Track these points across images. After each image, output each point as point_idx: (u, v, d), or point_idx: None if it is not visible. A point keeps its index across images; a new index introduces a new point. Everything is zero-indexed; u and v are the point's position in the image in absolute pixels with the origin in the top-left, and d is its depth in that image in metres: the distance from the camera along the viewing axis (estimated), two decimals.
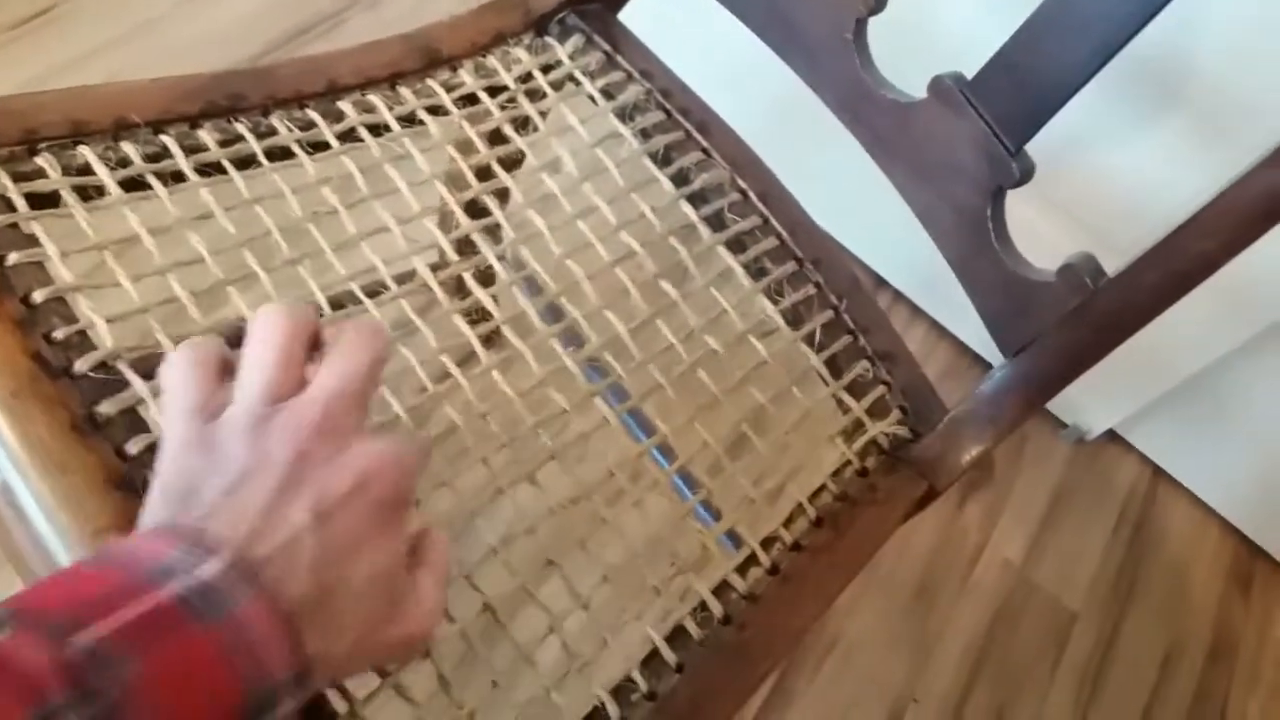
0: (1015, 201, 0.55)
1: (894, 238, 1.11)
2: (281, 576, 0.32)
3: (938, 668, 1.03)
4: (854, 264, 1.20)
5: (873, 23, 0.57)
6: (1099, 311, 0.51)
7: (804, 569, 0.52)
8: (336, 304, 0.50)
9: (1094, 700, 1.07)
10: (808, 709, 0.96)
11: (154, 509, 0.35)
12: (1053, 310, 0.53)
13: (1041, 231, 1.01)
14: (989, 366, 1.24)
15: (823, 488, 0.55)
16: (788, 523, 0.54)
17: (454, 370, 0.50)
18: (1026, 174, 0.53)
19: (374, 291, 0.51)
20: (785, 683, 0.97)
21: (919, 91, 0.56)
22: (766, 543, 0.53)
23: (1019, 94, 0.52)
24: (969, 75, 0.54)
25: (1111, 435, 1.22)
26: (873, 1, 0.56)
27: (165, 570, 0.30)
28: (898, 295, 1.22)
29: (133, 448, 0.42)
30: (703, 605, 0.50)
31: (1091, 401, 1.18)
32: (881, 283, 1.22)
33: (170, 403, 0.38)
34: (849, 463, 0.56)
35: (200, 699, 0.29)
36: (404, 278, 0.52)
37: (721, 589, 0.51)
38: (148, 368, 0.44)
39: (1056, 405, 1.22)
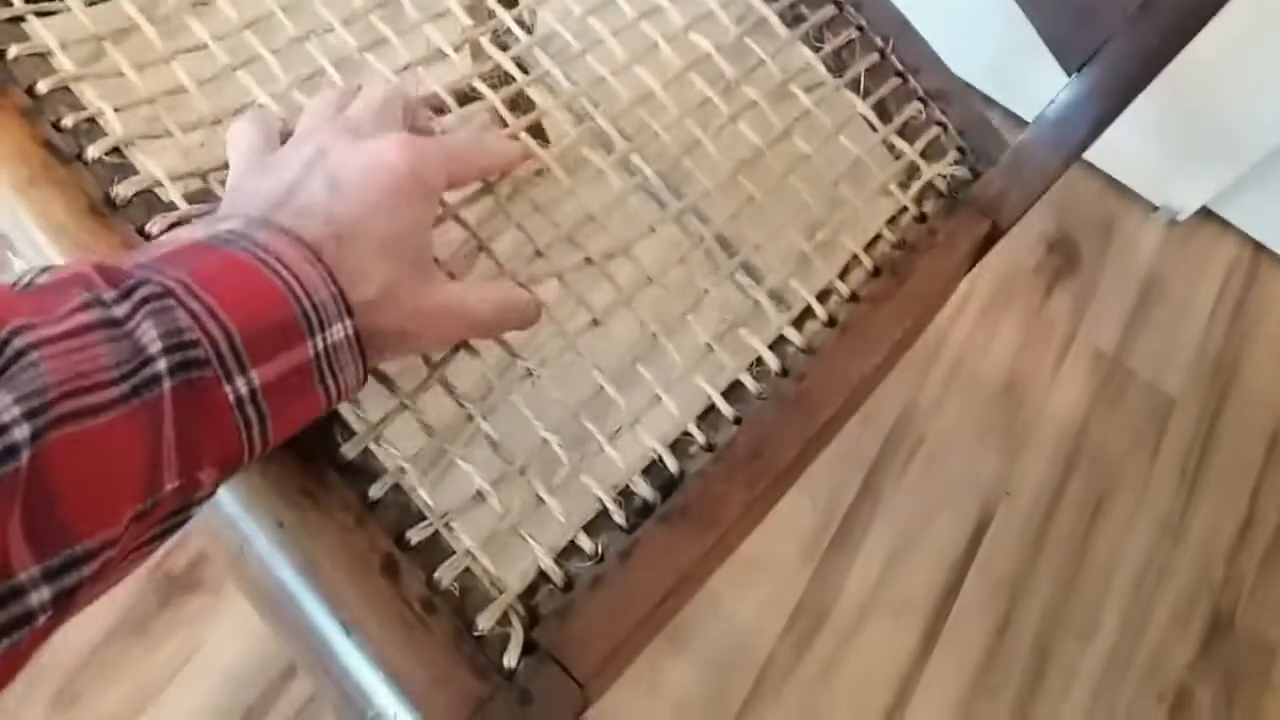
0: None
1: (957, 20, 1.05)
2: (298, 226, 0.34)
3: (1030, 462, 1.00)
4: None
5: None
6: (1165, 4, 0.46)
7: (864, 318, 0.50)
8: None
9: (1196, 487, 1.04)
10: (897, 510, 0.95)
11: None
12: (1116, 14, 0.48)
13: None
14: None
15: (879, 237, 0.52)
16: (843, 274, 0.51)
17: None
18: None
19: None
20: (871, 483, 0.95)
21: None
22: (822, 296, 0.50)
23: None
24: None
25: (1206, 214, 1.15)
26: None
27: (191, 237, 0.33)
28: (966, 87, 1.15)
29: (154, 227, 0.41)
30: (759, 361, 0.48)
31: (1181, 178, 1.11)
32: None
33: (236, 150, 0.41)
34: (905, 209, 0.53)
35: (246, 292, 0.30)
36: (431, 58, 0.49)
37: (778, 344, 0.49)
38: (157, 152, 0.43)
39: (1145, 185, 1.15)
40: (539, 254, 0.46)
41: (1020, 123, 1.16)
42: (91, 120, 0.43)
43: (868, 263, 0.51)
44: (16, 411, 0.24)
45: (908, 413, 0.98)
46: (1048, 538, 0.97)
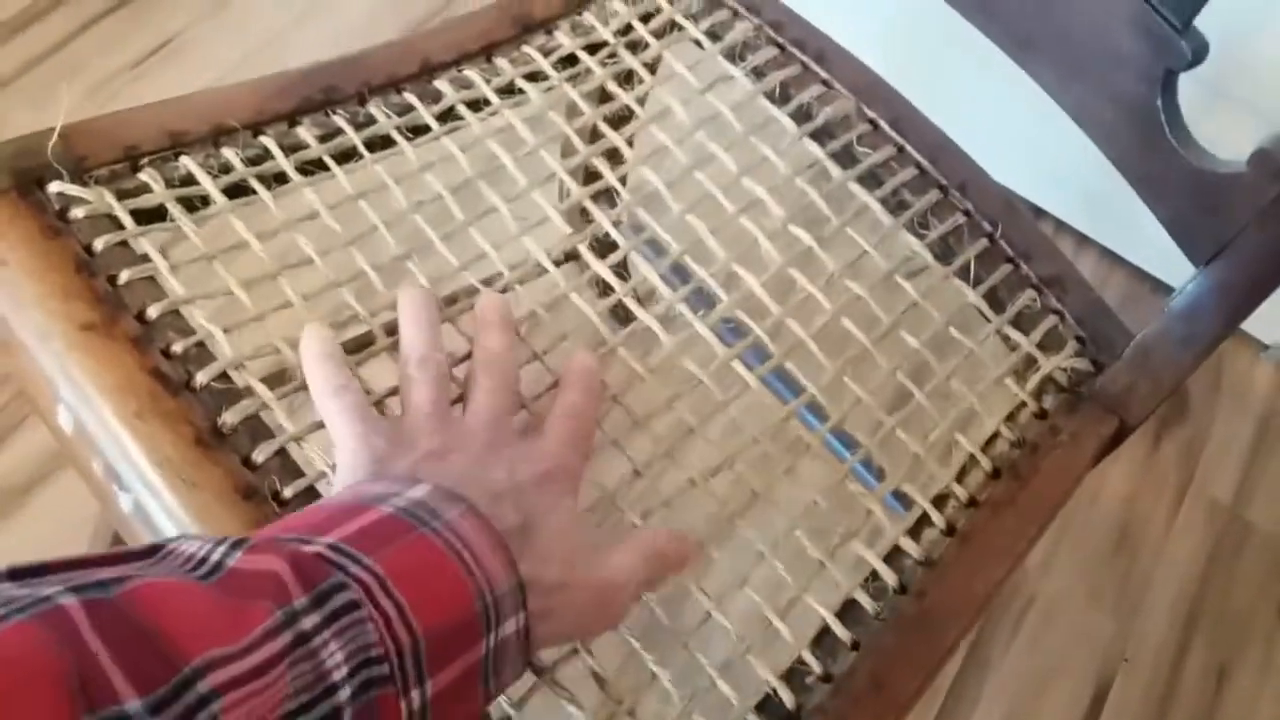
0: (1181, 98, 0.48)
1: (1048, 158, 1.03)
2: (484, 505, 0.34)
3: (1148, 623, 0.94)
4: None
5: None
6: None
7: (985, 526, 0.47)
8: (450, 300, 0.48)
9: None
10: (1007, 677, 0.90)
11: (344, 479, 0.37)
12: (1247, 205, 0.46)
13: (1215, 131, 0.91)
14: (1170, 290, 1.13)
15: (997, 435, 0.50)
16: (961, 477, 0.49)
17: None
18: (1199, 53, 0.46)
19: (488, 281, 0.48)
20: (979, 651, 0.90)
21: None
22: (939, 501, 0.48)
23: None
24: None
25: None
26: None
27: (378, 496, 0.32)
28: (1059, 224, 1.13)
29: (259, 456, 0.41)
30: (874, 575, 0.45)
31: None
32: (1039, 213, 1.13)
33: (325, 396, 0.40)
34: (1024, 405, 0.51)
35: (438, 590, 0.30)
36: (517, 264, 0.49)
37: (894, 556, 0.46)
38: (267, 374, 0.43)
39: (1253, 324, 1.11)
40: (638, 473, 0.45)
41: (1117, 260, 1.12)
42: (200, 344, 0.43)
43: (986, 464, 0.49)
44: None
45: (1015, 572, 0.93)
46: (1172, 706, 0.91)
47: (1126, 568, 0.97)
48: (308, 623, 0.26)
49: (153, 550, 0.27)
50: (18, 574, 0.24)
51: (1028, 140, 1.00)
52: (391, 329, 0.45)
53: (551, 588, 0.35)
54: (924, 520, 0.47)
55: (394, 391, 0.43)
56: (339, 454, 0.38)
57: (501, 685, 0.33)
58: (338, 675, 0.26)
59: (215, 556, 0.27)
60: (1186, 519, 1.00)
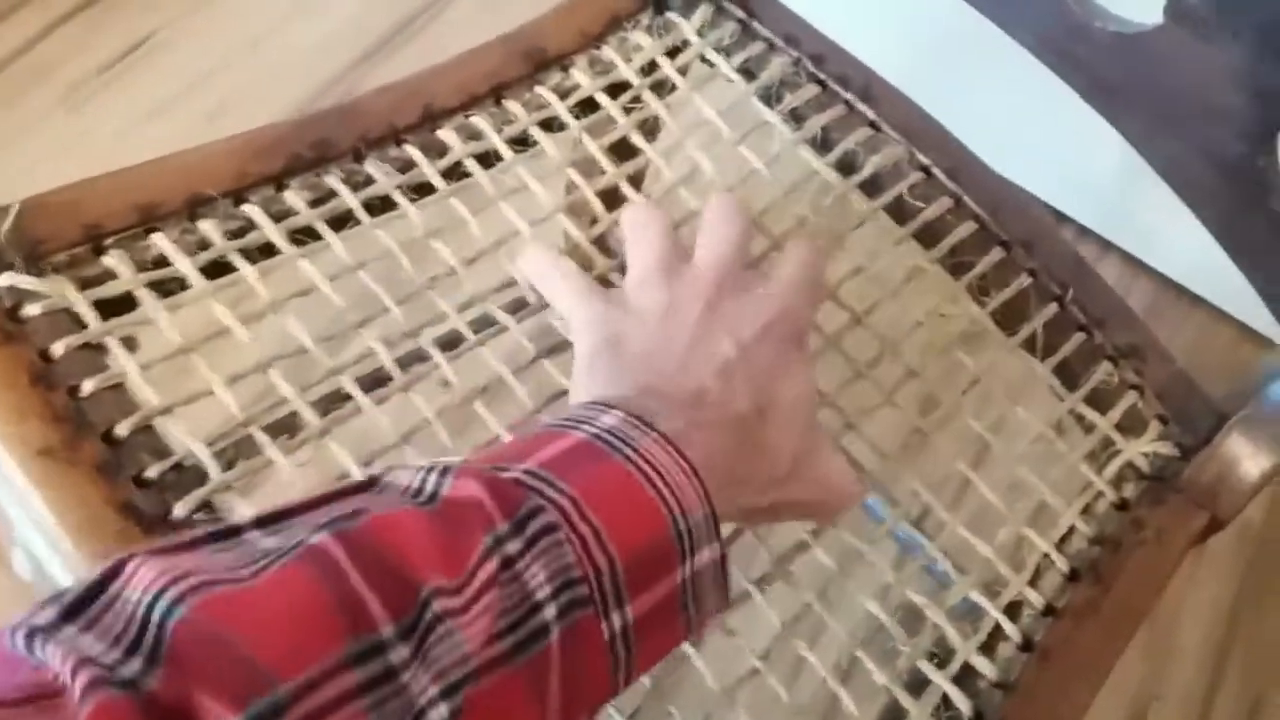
0: None
1: (1069, 161, 0.97)
2: (716, 390, 0.36)
3: (1179, 657, 0.91)
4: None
5: None
6: None
7: (1067, 639, 0.42)
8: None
9: None
10: None
11: (579, 378, 0.38)
12: None
13: None
14: (1197, 299, 1.09)
15: (1073, 531, 0.45)
16: (1034, 580, 0.44)
17: None
18: None
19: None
20: None
21: (1150, 16, 0.44)
22: (1012, 610, 0.43)
23: None
24: None
25: None
26: None
27: (570, 423, 0.32)
28: (1082, 230, 1.08)
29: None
30: (946, 702, 0.40)
31: None
32: (1060, 218, 1.08)
33: (558, 285, 0.41)
34: (1101, 495, 0.46)
35: (632, 515, 0.29)
36: (538, 337, 0.44)
37: (965, 676, 0.41)
38: (254, 489, 0.38)
39: (1275, 331, 1.06)
40: None
41: (1141, 267, 1.07)
42: (179, 466, 0.37)
43: (1062, 564, 0.44)
44: (434, 691, 0.24)
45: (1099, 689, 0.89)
46: None
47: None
48: (512, 548, 0.27)
49: (371, 483, 0.29)
50: (264, 522, 0.27)
51: (1048, 143, 0.95)
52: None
53: (783, 480, 0.36)
54: (997, 633, 0.42)
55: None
56: (574, 327, 0.40)
57: (704, 615, 0.32)
58: (541, 595, 0.27)
59: (429, 487, 0.28)
60: (1216, 543, 0.96)
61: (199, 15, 1.05)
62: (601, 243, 0.46)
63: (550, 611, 0.27)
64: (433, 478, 0.28)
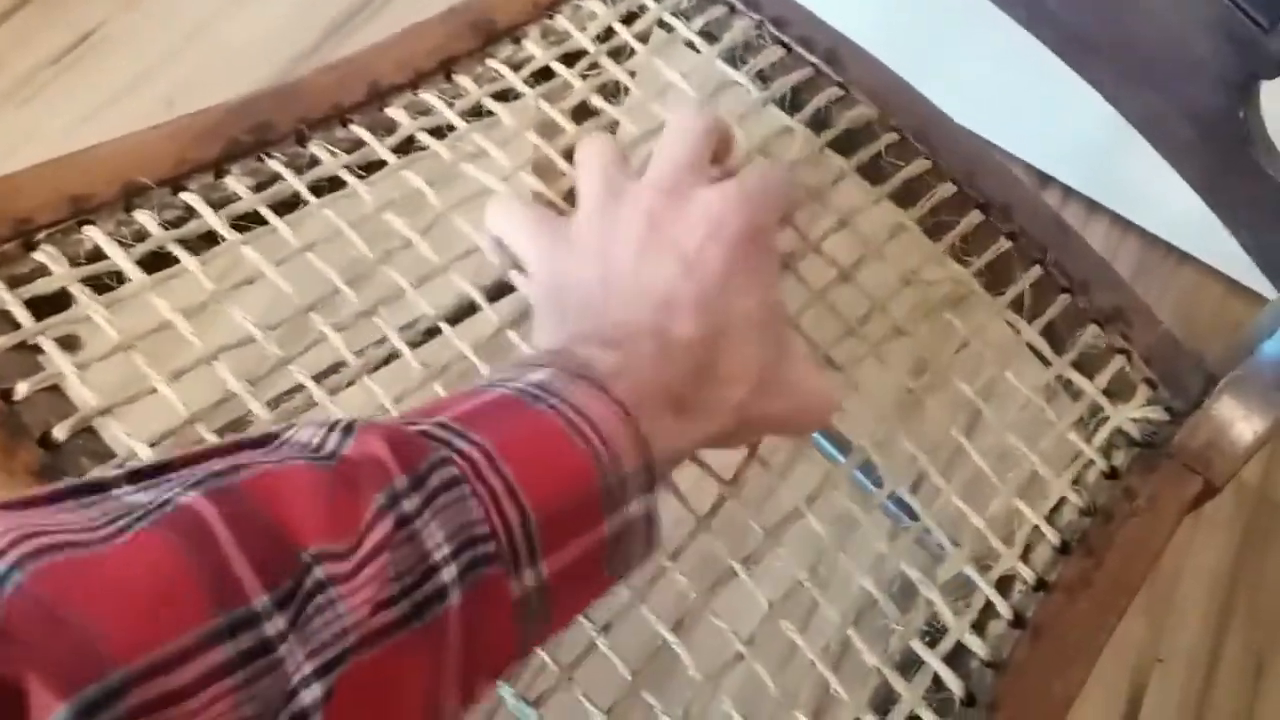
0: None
1: (1053, 121, 0.95)
2: (657, 316, 0.34)
3: (1180, 619, 0.89)
4: (1010, 167, 1.04)
5: None
6: None
7: (1060, 616, 0.40)
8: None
9: None
10: None
11: (534, 333, 0.38)
12: None
13: None
14: (1185, 257, 1.07)
15: (1063, 502, 0.43)
16: (1026, 554, 0.42)
17: None
18: None
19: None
20: None
21: None
22: (1003, 585, 0.41)
23: None
24: None
25: None
26: None
27: (497, 381, 0.30)
28: (1067, 191, 1.06)
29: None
30: (937, 683, 0.39)
31: None
32: (1045, 179, 1.06)
33: (511, 227, 0.40)
34: (1091, 463, 0.44)
35: (553, 465, 0.28)
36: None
37: (957, 656, 0.40)
38: None
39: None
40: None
41: (1129, 226, 1.06)
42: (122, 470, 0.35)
43: (1053, 537, 0.42)
44: (309, 669, 0.22)
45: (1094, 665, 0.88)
46: (1209, 705, 0.86)
47: None
48: (409, 505, 0.25)
49: (268, 439, 0.27)
50: (138, 475, 0.24)
51: (1030, 103, 0.93)
52: None
53: (739, 405, 0.34)
54: (988, 610, 0.41)
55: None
56: (531, 286, 0.39)
57: (628, 568, 0.31)
58: (439, 555, 0.25)
59: (330, 444, 0.26)
60: (1213, 504, 0.95)
61: (141, 6, 1.02)
62: (570, 198, 0.44)
63: (450, 572, 0.25)
64: (334, 435, 0.26)
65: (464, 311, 0.43)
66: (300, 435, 0.27)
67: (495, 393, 0.30)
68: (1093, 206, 1.06)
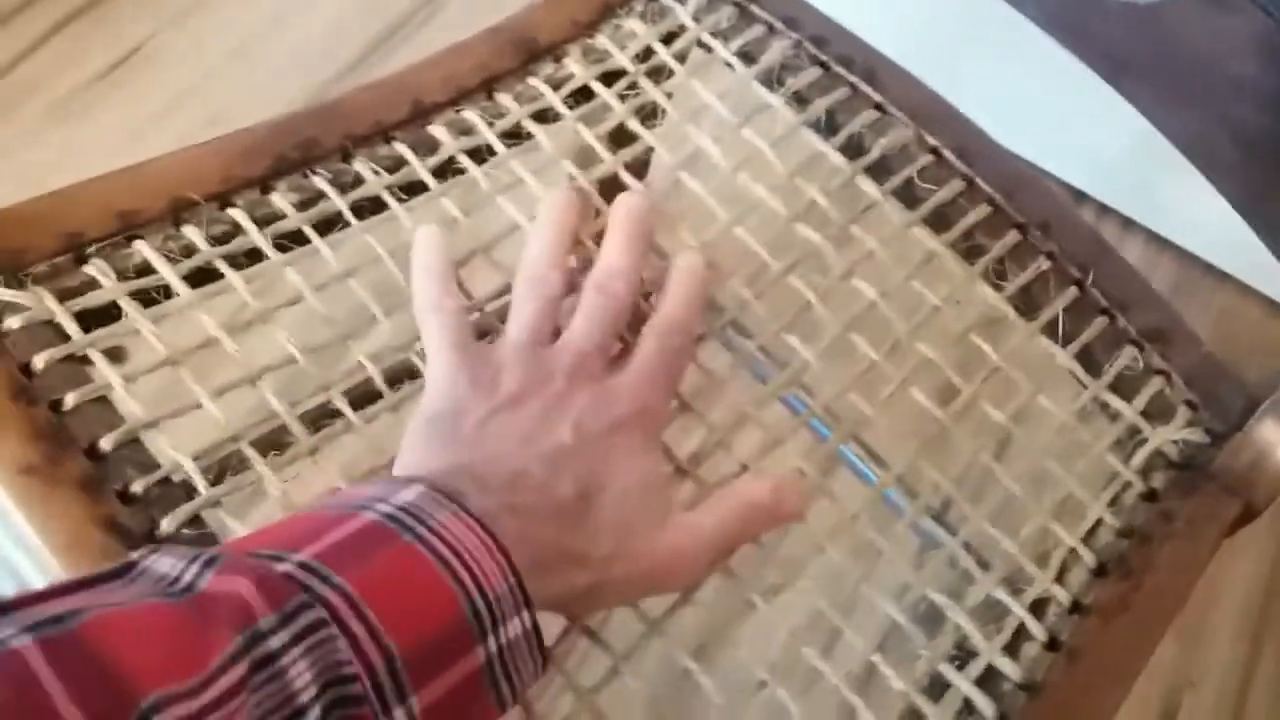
0: None
1: (1088, 138, 0.95)
2: (539, 472, 0.34)
3: (1212, 642, 0.88)
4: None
5: None
6: None
7: (1096, 639, 0.40)
8: None
9: None
10: None
11: (423, 415, 0.37)
12: None
13: None
14: (1224, 276, 1.06)
15: (1099, 524, 0.43)
16: (1060, 576, 0.42)
17: None
18: None
19: None
20: None
21: None
22: (1038, 607, 0.41)
23: None
24: None
25: None
26: None
27: (365, 502, 0.31)
28: (1103, 209, 1.06)
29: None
30: (968, 706, 0.39)
31: None
32: (1080, 197, 1.06)
33: (425, 311, 0.39)
34: (1129, 485, 0.44)
35: (416, 602, 0.28)
36: None
37: (988, 678, 0.40)
38: (245, 503, 0.36)
39: None
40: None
41: (1165, 244, 1.05)
42: (166, 480, 0.36)
43: (1089, 559, 0.42)
44: None
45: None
46: None
47: None
48: (275, 642, 0.25)
49: (126, 568, 0.27)
50: None
51: (1065, 120, 0.93)
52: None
53: (604, 560, 0.35)
54: (1021, 633, 0.41)
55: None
56: (428, 378, 0.38)
57: (522, 686, 0.31)
58: (305, 697, 0.25)
59: (188, 577, 0.26)
60: (1247, 527, 0.94)
61: (187, 23, 1.04)
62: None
63: (314, 714, 0.25)
64: (194, 567, 0.26)
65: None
66: (159, 565, 0.27)
67: (361, 520, 0.30)
68: (1128, 224, 1.05)
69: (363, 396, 0.40)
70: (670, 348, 0.40)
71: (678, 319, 0.40)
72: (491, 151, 0.46)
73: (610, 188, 0.46)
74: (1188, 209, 1.01)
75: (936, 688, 0.39)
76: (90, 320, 0.39)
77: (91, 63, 1.00)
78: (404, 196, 0.44)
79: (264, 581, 0.26)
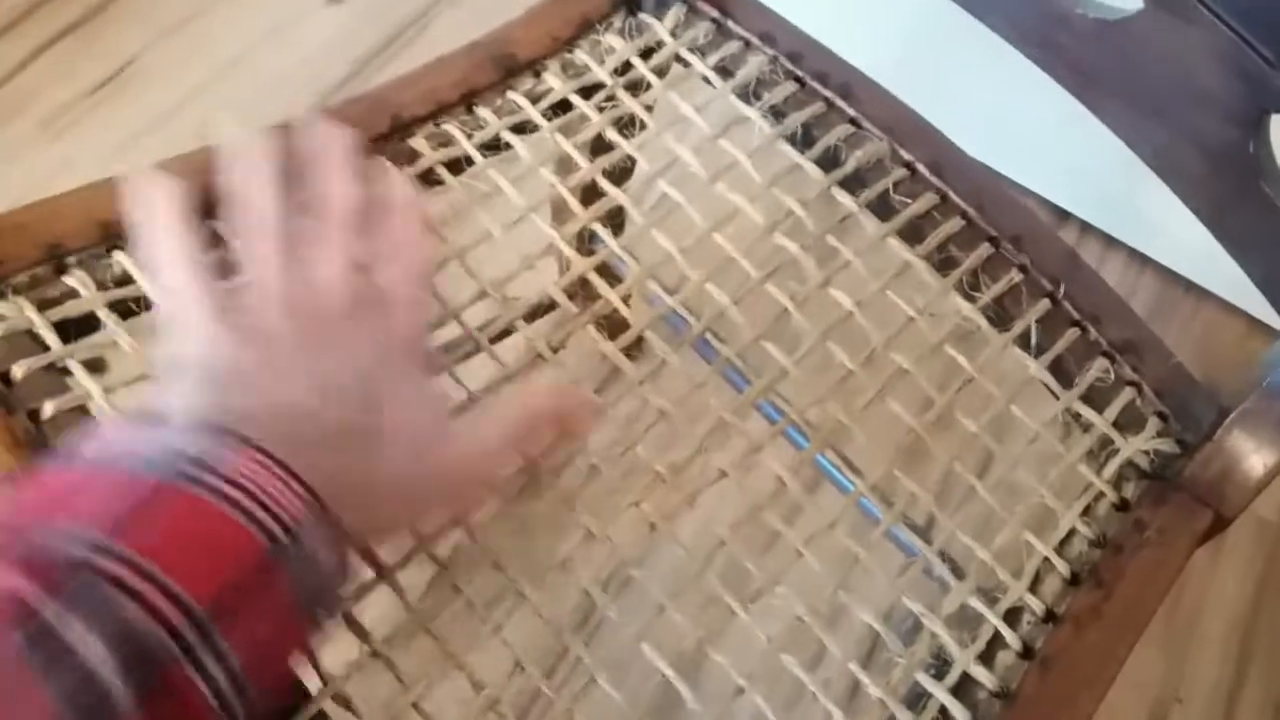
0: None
1: (1070, 155, 0.96)
2: (317, 405, 0.34)
3: (1200, 657, 0.88)
4: (1027, 201, 1.05)
5: None
6: None
7: (1069, 647, 0.40)
8: None
9: None
10: None
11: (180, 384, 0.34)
12: None
13: None
14: (1205, 293, 1.07)
15: (1073, 533, 0.43)
16: (1035, 585, 0.42)
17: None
18: None
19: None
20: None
21: (1130, 2, 0.42)
22: (1011, 616, 0.41)
23: None
24: None
25: None
26: None
27: (134, 453, 0.30)
28: (1085, 226, 1.06)
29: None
30: (944, 713, 0.39)
31: None
32: (1063, 215, 1.06)
33: (174, 268, 0.37)
34: (1102, 495, 0.44)
35: (215, 549, 0.28)
36: (512, 343, 0.43)
37: (964, 687, 0.40)
38: None
39: None
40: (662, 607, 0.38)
41: (1146, 261, 1.06)
42: None
43: (1063, 568, 0.42)
44: None
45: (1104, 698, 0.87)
46: None
47: (1174, 599, 0.90)
48: (60, 626, 0.25)
49: None
50: None
51: (1046, 137, 0.93)
52: None
53: (396, 479, 0.35)
54: (996, 641, 0.41)
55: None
56: (180, 345, 0.35)
57: (330, 603, 0.33)
58: (106, 669, 0.25)
59: None
60: (1234, 541, 0.94)
61: (178, 39, 1.04)
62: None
63: (118, 685, 0.25)
64: None
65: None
66: None
67: (149, 482, 0.29)
68: (1110, 242, 1.06)
69: None
70: (413, 269, 0.39)
71: (406, 243, 0.40)
72: (470, 162, 0.46)
73: (589, 194, 0.47)
74: (1169, 227, 1.01)
75: (913, 697, 0.39)
76: (69, 331, 0.39)
77: (83, 78, 1.00)
78: None
79: (31, 558, 0.26)
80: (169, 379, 0.35)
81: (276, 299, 0.36)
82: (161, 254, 0.37)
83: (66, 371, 0.38)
